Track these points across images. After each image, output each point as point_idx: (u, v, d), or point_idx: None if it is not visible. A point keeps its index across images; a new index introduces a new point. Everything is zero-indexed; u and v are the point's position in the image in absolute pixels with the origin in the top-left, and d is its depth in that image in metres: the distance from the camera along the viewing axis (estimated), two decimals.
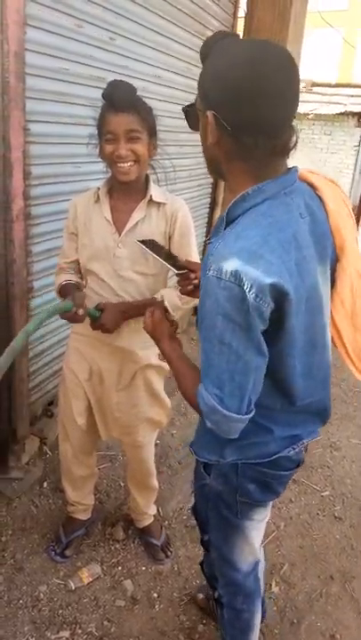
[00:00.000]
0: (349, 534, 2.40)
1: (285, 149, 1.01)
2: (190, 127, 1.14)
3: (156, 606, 1.94)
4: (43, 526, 2.18)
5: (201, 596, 1.97)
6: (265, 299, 0.94)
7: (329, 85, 13.89)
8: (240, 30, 4.01)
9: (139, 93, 2.73)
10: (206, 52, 1.00)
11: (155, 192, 1.64)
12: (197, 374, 1.12)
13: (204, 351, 1.03)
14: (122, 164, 1.52)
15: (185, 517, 2.36)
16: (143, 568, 2.08)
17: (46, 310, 1.40)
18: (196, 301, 1.72)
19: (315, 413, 1.27)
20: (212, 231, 1.15)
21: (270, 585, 2.07)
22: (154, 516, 2.20)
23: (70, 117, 2.20)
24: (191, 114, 1.09)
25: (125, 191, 1.62)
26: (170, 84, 3.03)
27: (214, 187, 4.16)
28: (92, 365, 1.79)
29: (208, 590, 1.97)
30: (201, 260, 1.46)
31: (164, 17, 2.80)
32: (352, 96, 12.20)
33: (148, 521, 2.18)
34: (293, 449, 1.24)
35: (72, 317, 1.50)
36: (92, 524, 2.21)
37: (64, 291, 1.67)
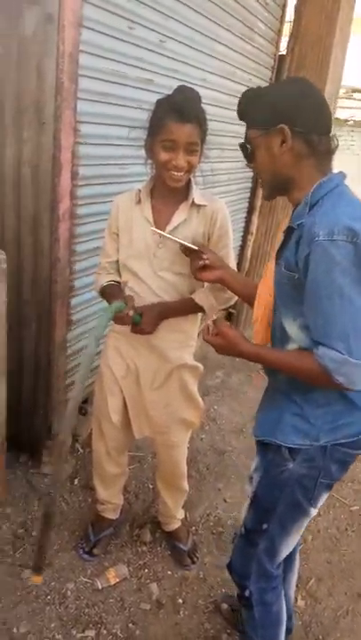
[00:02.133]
0: None
1: (334, 147, 1.28)
2: (248, 160, 1.36)
3: (181, 612, 1.93)
4: (72, 523, 2.20)
5: (225, 606, 1.95)
6: None
7: None
8: (286, 34, 3.97)
9: None
10: (256, 94, 1.31)
11: (197, 195, 1.64)
12: (299, 353, 1.27)
13: (323, 313, 1.16)
14: (176, 173, 1.52)
15: (212, 524, 2.35)
16: (169, 572, 2.08)
17: (106, 313, 1.44)
18: (230, 303, 1.75)
19: None
20: (292, 216, 1.29)
21: (296, 598, 2.04)
22: (181, 520, 2.20)
23: (118, 119, 2.21)
24: (248, 147, 1.32)
25: (169, 193, 1.63)
26: (215, 88, 3.03)
27: (253, 193, 4.13)
28: (130, 363, 1.80)
29: (233, 601, 1.96)
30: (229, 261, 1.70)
31: (213, 20, 2.80)
32: None
33: (175, 525, 2.17)
34: None
35: (121, 318, 1.52)
36: (120, 525, 2.21)
37: (108, 291, 1.69)
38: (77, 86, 1.90)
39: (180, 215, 1.63)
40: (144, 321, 1.62)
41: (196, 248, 1.53)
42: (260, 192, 4.10)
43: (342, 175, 1.29)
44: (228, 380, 3.61)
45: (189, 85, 2.46)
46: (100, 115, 2.11)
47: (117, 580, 1.98)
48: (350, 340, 1.14)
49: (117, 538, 2.17)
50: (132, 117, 2.28)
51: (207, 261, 1.51)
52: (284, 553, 1.53)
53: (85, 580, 1.98)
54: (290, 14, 3.97)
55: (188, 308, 1.68)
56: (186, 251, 1.56)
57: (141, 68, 2.28)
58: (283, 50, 4.01)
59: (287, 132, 1.22)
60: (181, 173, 1.53)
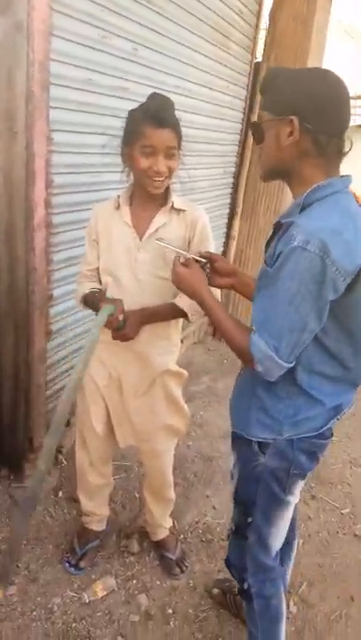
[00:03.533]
0: None
1: (345, 151, 1.25)
2: (256, 141, 1.33)
3: (171, 623, 1.90)
4: (57, 536, 2.16)
5: (216, 590, 1.99)
6: (343, 273, 1.13)
7: None
8: (262, 41, 4.01)
9: None
10: (276, 74, 1.25)
11: (176, 200, 1.65)
12: (242, 326, 1.32)
13: (269, 308, 1.20)
14: (157, 179, 1.53)
15: (201, 532, 2.32)
16: (158, 582, 2.05)
17: (102, 316, 1.46)
18: None
19: (353, 382, 1.37)
20: (284, 213, 1.29)
21: (288, 604, 2.01)
22: (169, 529, 2.17)
23: (92, 127, 2.21)
24: (259, 128, 1.29)
25: (148, 199, 1.63)
26: (190, 95, 3.04)
27: (233, 198, 4.15)
28: (112, 371, 1.78)
29: (223, 584, 1.99)
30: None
31: (186, 28, 2.81)
32: None
33: (163, 534, 2.14)
34: (337, 419, 1.39)
35: (111, 322, 1.51)
36: (107, 536, 2.18)
37: (91, 299, 1.68)
38: (49, 95, 1.90)
39: (160, 219, 1.63)
40: (127, 325, 1.60)
41: (204, 260, 1.51)
42: (240, 197, 4.12)
43: (346, 181, 1.27)
44: (215, 385, 3.59)
45: (164, 93, 2.47)
46: (74, 123, 2.10)
47: (105, 592, 1.95)
48: (282, 341, 1.19)
49: (104, 549, 2.13)
50: (108, 125, 2.29)
51: (208, 272, 1.52)
52: (277, 543, 1.54)
53: (72, 594, 1.94)
54: (265, 21, 4.02)
55: (170, 312, 1.67)
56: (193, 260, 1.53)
57: (115, 77, 2.29)
58: (259, 57, 4.05)
59: (296, 125, 1.20)
60: (162, 179, 1.54)
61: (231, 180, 4.07)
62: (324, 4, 4.58)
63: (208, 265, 1.53)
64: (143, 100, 2.53)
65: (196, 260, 1.52)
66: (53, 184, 2.03)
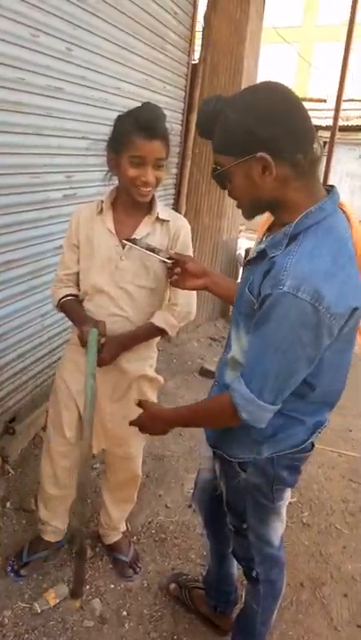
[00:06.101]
0: (318, 540, 2.41)
1: (319, 157, 1.13)
2: (222, 187, 1.21)
3: (126, 624, 1.89)
4: (6, 548, 2.10)
5: (173, 585, 1.99)
6: (338, 319, 1.06)
7: None
8: (198, 44, 4.06)
9: (99, 105, 2.72)
10: (216, 110, 1.12)
11: (161, 210, 1.65)
12: (203, 403, 1.37)
13: (256, 350, 1.14)
14: (144, 189, 1.52)
15: (154, 531, 2.32)
16: (112, 586, 2.03)
17: (91, 347, 1.45)
18: (191, 317, 1.78)
19: (330, 403, 1.35)
20: (269, 241, 1.17)
21: (241, 595, 2.05)
22: (122, 532, 2.16)
23: (27, 127, 2.17)
24: (223, 176, 1.17)
25: (132, 206, 1.61)
26: (130, 96, 3.03)
27: (177, 198, 4.18)
28: None
29: (178, 578, 2.01)
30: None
31: (122, 29, 2.81)
32: (309, 110, 12.57)
33: (116, 537, 2.13)
34: (318, 433, 1.36)
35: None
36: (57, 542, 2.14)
37: (70, 307, 1.67)
38: None
39: (144, 228, 1.62)
40: (105, 351, 1.57)
41: (170, 262, 1.50)
42: (184, 198, 4.15)
43: (335, 199, 1.15)
44: (164, 385, 3.59)
45: (100, 93, 2.46)
46: (7, 123, 2.06)
47: (57, 600, 1.91)
48: (267, 385, 1.13)
49: (55, 557, 2.09)
50: (43, 125, 2.25)
51: (175, 277, 1.49)
52: (277, 537, 1.55)
53: (23, 604, 1.89)
54: (200, 24, 4.07)
55: (149, 333, 1.68)
56: (164, 262, 1.53)
57: (49, 76, 2.25)
58: (197, 59, 4.10)
59: (270, 161, 1.06)
60: (150, 189, 1.54)
61: (173, 180, 4.09)
62: (258, 8, 4.70)
63: (178, 267, 1.49)
64: (78, 99, 2.52)
65: (164, 262, 1.51)
66: None
